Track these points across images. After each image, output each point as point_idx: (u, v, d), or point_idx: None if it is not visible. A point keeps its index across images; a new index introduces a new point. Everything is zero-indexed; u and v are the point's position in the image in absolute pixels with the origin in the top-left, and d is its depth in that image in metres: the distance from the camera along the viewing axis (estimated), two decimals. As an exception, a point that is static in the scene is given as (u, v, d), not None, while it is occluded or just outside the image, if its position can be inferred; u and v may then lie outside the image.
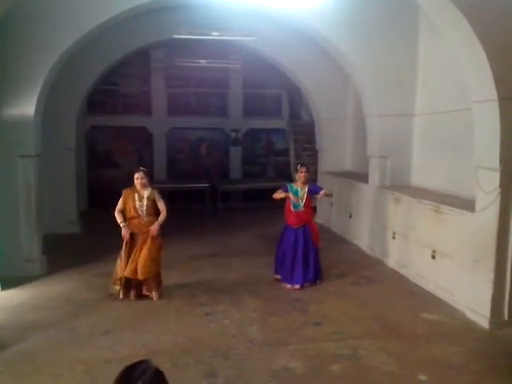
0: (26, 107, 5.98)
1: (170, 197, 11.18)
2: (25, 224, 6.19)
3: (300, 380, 3.79)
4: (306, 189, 5.83)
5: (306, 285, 5.83)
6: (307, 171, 5.91)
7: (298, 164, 6.01)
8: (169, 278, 5.79)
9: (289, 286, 5.83)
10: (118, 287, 5.32)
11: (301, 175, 5.82)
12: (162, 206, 5.33)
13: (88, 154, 11.21)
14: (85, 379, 3.76)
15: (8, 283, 5.74)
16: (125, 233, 5.23)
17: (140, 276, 5.21)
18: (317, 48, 7.77)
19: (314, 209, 5.97)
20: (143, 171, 5.29)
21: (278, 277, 5.99)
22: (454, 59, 5.18)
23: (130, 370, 1.54)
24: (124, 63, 10.18)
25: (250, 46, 9.04)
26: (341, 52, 6.96)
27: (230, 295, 5.58)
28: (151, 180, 5.49)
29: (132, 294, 5.35)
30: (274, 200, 5.97)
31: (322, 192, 5.90)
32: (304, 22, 6.66)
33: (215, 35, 7.75)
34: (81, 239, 8.23)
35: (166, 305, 5.28)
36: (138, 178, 5.24)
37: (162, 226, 5.37)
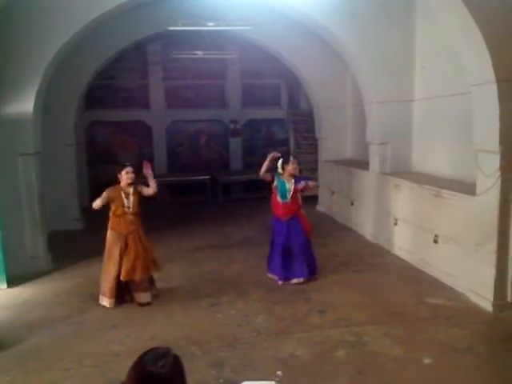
0: (25, 105, 5.97)
1: (171, 190, 11.28)
2: (28, 222, 6.22)
3: (307, 367, 3.83)
4: (293, 181, 5.59)
5: (310, 277, 5.68)
6: (298, 164, 5.80)
7: (290, 156, 5.83)
8: (172, 270, 5.82)
9: (293, 280, 5.64)
10: (109, 300, 5.05)
11: (293, 167, 5.60)
12: (146, 189, 5.08)
13: (88, 149, 11.23)
14: (94, 372, 3.80)
15: (14, 281, 5.80)
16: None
17: (137, 276, 4.98)
18: (314, 36, 7.71)
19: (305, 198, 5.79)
20: (131, 166, 5.10)
21: (275, 277, 5.74)
22: (452, 43, 5.15)
23: (154, 350, 1.61)
24: (121, 57, 10.16)
25: (246, 36, 8.98)
26: (338, 39, 6.92)
27: (235, 286, 5.63)
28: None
29: (127, 298, 5.17)
30: (262, 178, 5.67)
31: (310, 183, 5.70)
32: (300, 9, 6.60)
33: (210, 26, 7.69)
34: (84, 235, 8.25)
35: (172, 297, 5.32)
36: (129, 172, 5.00)
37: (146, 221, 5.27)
